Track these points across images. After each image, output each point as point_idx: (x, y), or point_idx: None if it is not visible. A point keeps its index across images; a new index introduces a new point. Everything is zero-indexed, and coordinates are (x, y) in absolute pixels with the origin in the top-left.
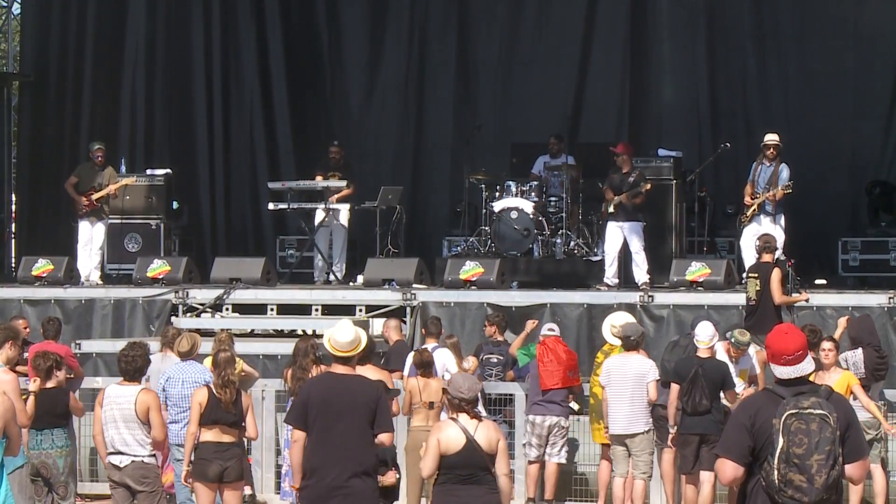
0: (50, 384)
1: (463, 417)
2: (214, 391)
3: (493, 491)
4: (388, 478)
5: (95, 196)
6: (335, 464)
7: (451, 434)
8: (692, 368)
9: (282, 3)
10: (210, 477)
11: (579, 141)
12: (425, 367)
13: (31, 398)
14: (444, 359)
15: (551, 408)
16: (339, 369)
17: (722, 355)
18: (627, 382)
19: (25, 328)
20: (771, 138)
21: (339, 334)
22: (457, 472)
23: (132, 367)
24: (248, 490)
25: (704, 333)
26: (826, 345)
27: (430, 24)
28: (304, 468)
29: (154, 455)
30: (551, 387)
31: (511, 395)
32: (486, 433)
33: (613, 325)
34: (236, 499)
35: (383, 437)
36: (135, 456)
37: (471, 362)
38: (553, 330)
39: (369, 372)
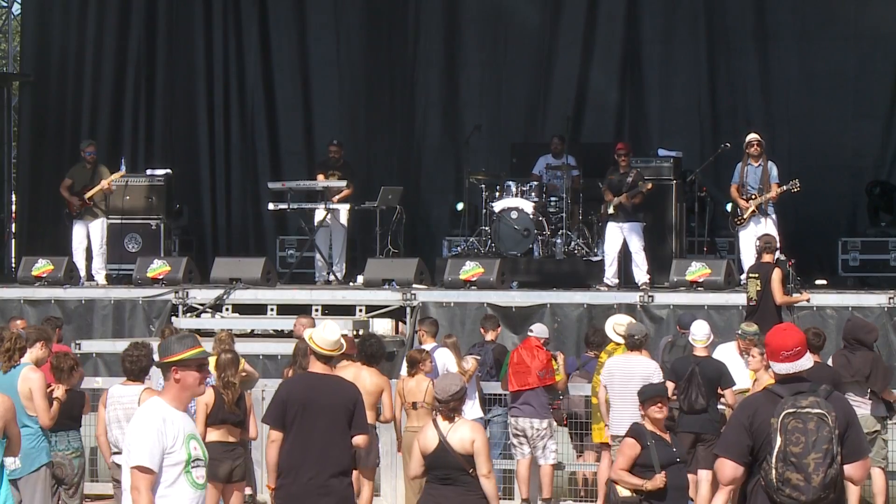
0: (66, 386)
1: (440, 418)
2: (219, 391)
3: (469, 492)
4: None
5: (88, 194)
6: (314, 463)
7: (427, 435)
8: (689, 367)
9: (284, 3)
10: (220, 476)
11: (580, 141)
12: (411, 364)
13: (56, 404)
14: (444, 359)
15: (525, 409)
16: (318, 368)
17: (734, 353)
18: (633, 383)
19: (24, 328)
20: (753, 136)
21: (327, 332)
22: (435, 472)
23: (137, 366)
24: (248, 490)
25: (701, 332)
26: (754, 350)
27: (431, 23)
28: (280, 467)
29: None
30: (519, 388)
31: (498, 394)
32: (459, 434)
33: (619, 324)
34: (239, 499)
35: (358, 439)
36: None
37: (470, 363)
38: (532, 332)
39: (370, 374)
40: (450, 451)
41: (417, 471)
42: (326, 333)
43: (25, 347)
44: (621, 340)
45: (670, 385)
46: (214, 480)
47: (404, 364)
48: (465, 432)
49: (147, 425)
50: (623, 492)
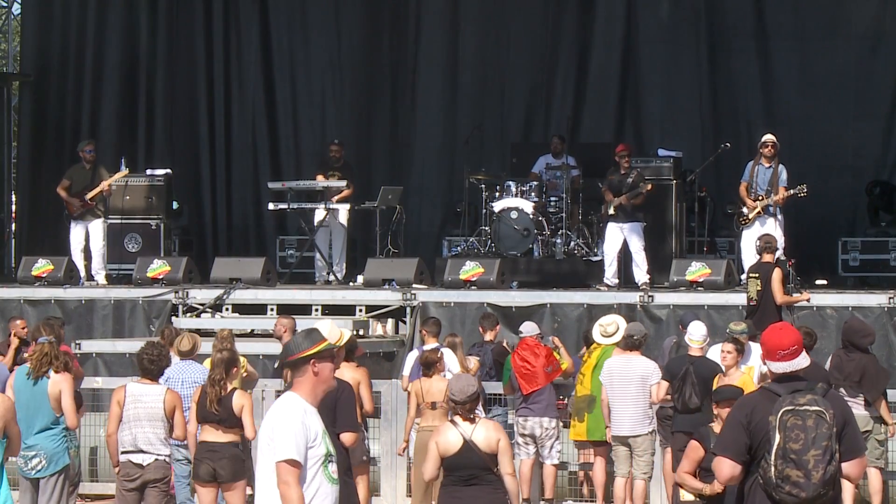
0: None
1: (460, 419)
2: (206, 390)
3: (496, 490)
4: None
5: (89, 195)
6: None
7: (448, 436)
8: (683, 366)
9: (284, 3)
10: (202, 477)
11: (580, 141)
12: (428, 366)
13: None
14: (445, 358)
15: (534, 408)
16: None
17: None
18: (632, 384)
19: (24, 328)
20: (769, 137)
21: None
22: (457, 473)
23: (157, 366)
24: (249, 490)
25: (698, 333)
26: (727, 346)
27: (431, 23)
28: None
29: (170, 455)
30: (534, 390)
31: (498, 394)
32: (484, 433)
33: (601, 324)
34: (235, 498)
35: (345, 437)
36: (158, 454)
37: (473, 363)
38: (522, 332)
39: (346, 369)
40: (476, 451)
41: (434, 473)
42: None
43: (52, 362)
44: (602, 340)
45: (664, 384)
46: (198, 480)
47: (406, 364)
48: (490, 432)
49: (291, 419)
50: (686, 496)
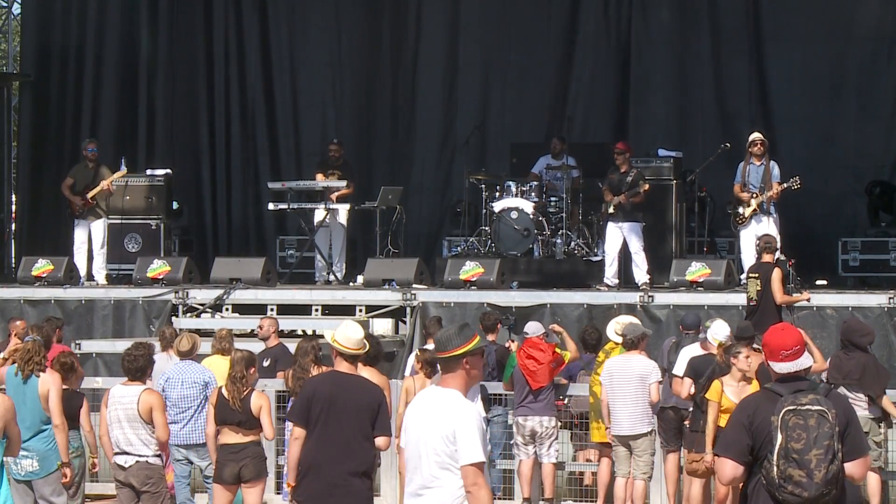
0: (65, 385)
1: None
2: (225, 390)
3: None
4: None
5: (90, 194)
6: (336, 461)
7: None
8: (709, 366)
9: (284, 3)
10: (226, 479)
11: (579, 141)
12: (430, 365)
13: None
14: None
15: (534, 408)
16: (343, 367)
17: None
18: (630, 383)
19: (24, 328)
20: (756, 135)
21: (350, 331)
22: None
23: (135, 366)
24: None
25: (722, 332)
26: (748, 352)
27: (432, 23)
28: (301, 465)
29: (159, 455)
30: (541, 386)
31: (499, 394)
32: None
33: (618, 322)
34: (255, 496)
35: (380, 441)
36: (139, 456)
37: None
38: (528, 333)
39: (370, 375)
40: None
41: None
42: (350, 332)
43: (42, 362)
44: (616, 339)
45: (688, 382)
46: (221, 483)
47: (408, 365)
48: None
49: (478, 420)
50: None
